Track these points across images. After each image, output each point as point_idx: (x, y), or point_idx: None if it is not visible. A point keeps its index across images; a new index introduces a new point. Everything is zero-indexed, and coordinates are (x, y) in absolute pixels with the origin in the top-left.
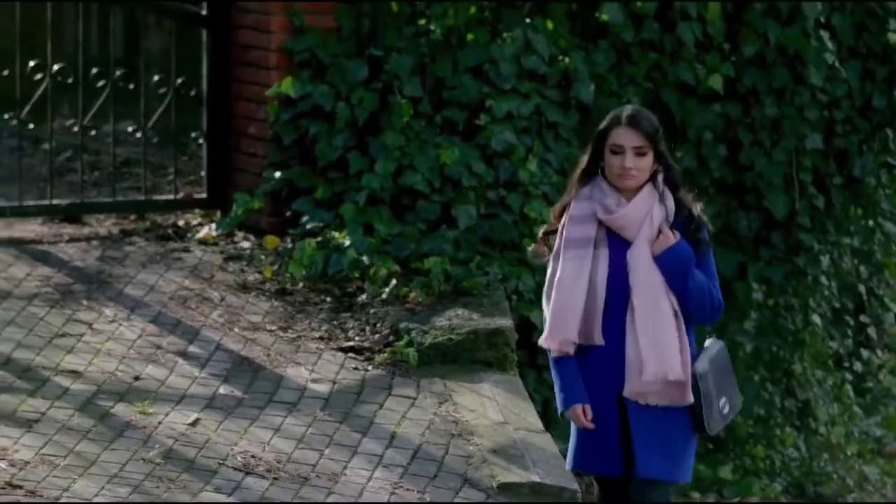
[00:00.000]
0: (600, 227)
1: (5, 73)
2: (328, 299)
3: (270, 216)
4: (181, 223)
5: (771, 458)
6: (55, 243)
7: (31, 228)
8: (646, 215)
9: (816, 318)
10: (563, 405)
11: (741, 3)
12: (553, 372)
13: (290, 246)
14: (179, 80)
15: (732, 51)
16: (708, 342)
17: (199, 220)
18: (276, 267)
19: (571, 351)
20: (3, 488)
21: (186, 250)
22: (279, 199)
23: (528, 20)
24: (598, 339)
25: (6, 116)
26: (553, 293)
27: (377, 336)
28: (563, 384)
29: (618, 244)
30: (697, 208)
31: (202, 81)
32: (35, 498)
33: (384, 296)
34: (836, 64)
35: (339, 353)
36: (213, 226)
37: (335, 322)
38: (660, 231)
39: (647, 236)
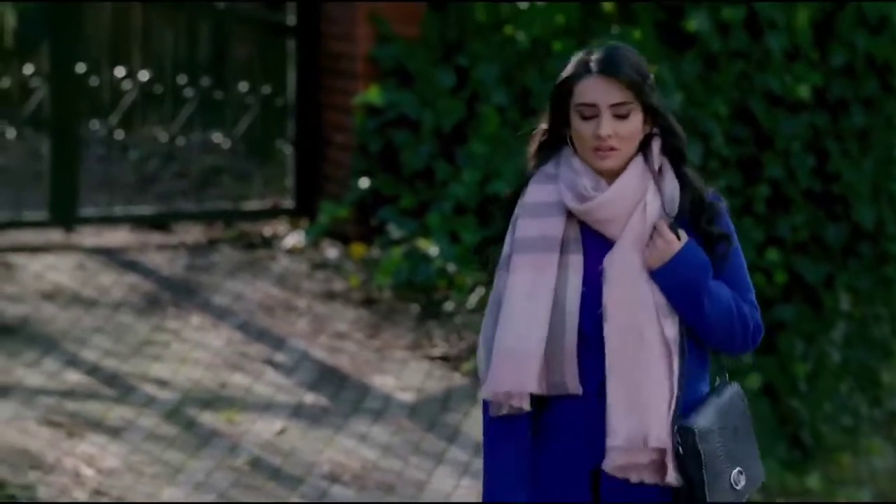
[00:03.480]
0: (571, 222)
1: (95, 82)
2: (414, 308)
3: (356, 224)
4: (268, 231)
5: (858, 467)
6: (142, 251)
7: (118, 236)
8: (636, 203)
9: None
10: (487, 497)
11: (829, 12)
12: (485, 440)
13: (376, 254)
14: (266, 89)
15: (821, 59)
16: (719, 385)
17: (286, 228)
18: (362, 276)
19: (526, 407)
20: (91, 496)
21: (273, 259)
22: (365, 207)
23: (614, 29)
24: (574, 387)
25: (96, 126)
26: (498, 321)
27: (463, 344)
28: (493, 465)
29: (598, 247)
30: (710, 191)
31: (289, 90)
32: None
33: (470, 304)
34: None
35: (425, 362)
36: (301, 234)
37: (421, 330)
38: (654, 230)
39: (636, 235)
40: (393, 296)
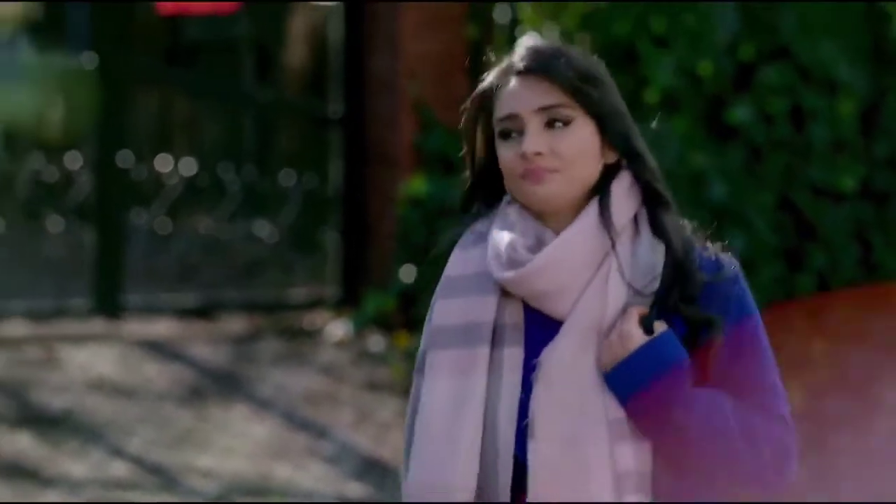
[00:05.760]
0: (511, 301)
1: (140, 172)
2: None
3: (400, 314)
4: (312, 321)
5: None
6: (186, 341)
7: (162, 326)
8: (593, 265)
9: None
10: None
11: (873, 102)
12: None
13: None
14: (310, 179)
15: (865, 150)
16: None
17: (330, 317)
18: (405, 365)
19: None
20: None
21: (317, 348)
22: (409, 296)
23: (658, 120)
24: None
25: (141, 216)
26: (416, 441)
27: None
28: None
29: (547, 336)
30: (699, 243)
31: (332, 179)
32: None
33: None
34: None
35: None
36: (346, 324)
37: None
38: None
39: (592, 319)
40: None
